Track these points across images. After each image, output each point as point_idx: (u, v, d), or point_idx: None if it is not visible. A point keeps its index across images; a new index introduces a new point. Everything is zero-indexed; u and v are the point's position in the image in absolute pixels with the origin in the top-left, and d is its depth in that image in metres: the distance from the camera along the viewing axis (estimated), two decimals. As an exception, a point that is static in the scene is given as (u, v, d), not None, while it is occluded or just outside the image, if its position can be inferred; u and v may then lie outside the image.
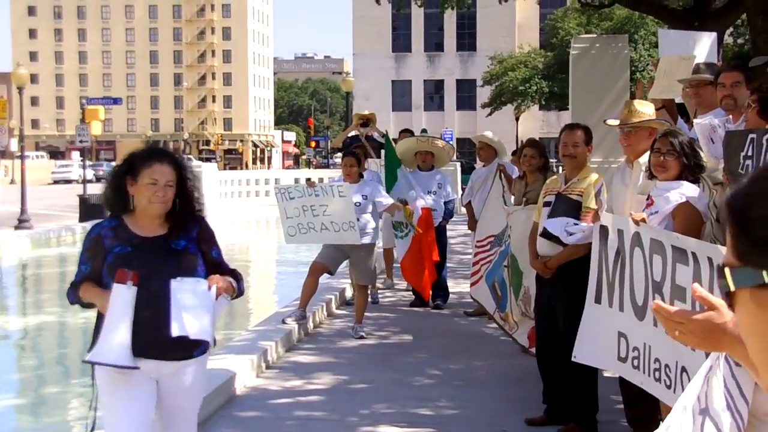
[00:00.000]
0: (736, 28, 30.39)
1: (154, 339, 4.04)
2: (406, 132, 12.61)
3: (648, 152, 5.58)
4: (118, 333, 3.95)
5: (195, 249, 4.22)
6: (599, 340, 5.36)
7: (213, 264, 4.29)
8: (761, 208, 1.08)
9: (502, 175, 9.36)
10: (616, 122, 6.01)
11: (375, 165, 11.45)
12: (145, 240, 4.15)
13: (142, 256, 4.09)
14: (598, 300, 5.43)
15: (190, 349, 4.15)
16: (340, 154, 11.47)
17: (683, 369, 4.33)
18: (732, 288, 1.11)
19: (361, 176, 9.71)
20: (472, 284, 9.29)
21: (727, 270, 1.12)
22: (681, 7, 17.45)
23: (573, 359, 5.63)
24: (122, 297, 3.93)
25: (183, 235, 4.21)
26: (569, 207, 6.15)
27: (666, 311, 1.56)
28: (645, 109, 5.85)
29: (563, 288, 6.12)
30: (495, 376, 7.84)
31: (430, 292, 11.06)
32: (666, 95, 7.31)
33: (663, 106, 7.28)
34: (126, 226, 4.18)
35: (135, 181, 4.13)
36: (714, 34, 8.76)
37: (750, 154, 4.50)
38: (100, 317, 4.09)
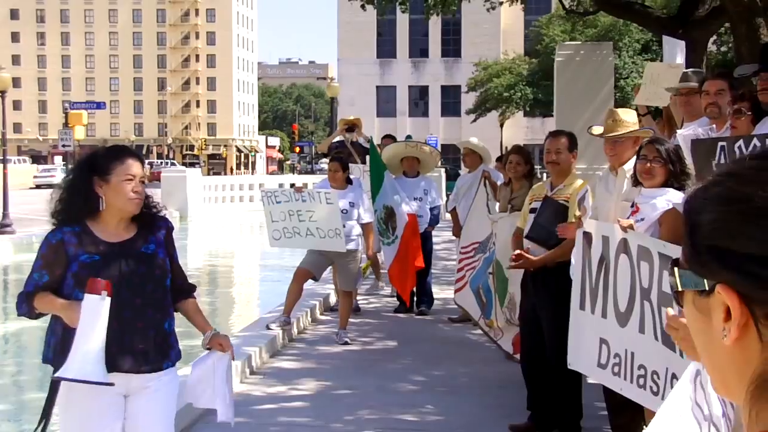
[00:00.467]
0: (719, 36, 30.56)
1: (124, 351, 3.89)
2: (389, 138, 12.58)
3: (632, 160, 5.60)
4: (92, 347, 3.69)
5: (164, 253, 4.06)
6: (584, 347, 5.37)
7: (175, 271, 4.16)
8: (708, 214, 1.07)
9: (487, 182, 9.36)
10: (600, 130, 6.00)
11: (358, 170, 11.41)
12: (113, 246, 3.93)
13: (111, 264, 3.88)
14: (582, 306, 5.44)
15: (159, 361, 4.02)
16: (326, 160, 11.42)
17: (674, 375, 4.33)
18: (679, 288, 1.12)
19: (350, 182, 9.69)
20: (456, 290, 9.28)
21: (676, 269, 1.12)
22: (665, 15, 17.52)
23: (569, 366, 5.64)
24: (95, 308, 3.66)
25: (152, 238, 4.04)
26: (556, 211, 6.16)
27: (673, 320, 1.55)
28: (629, 118, 5.85)
29: (548, 295, 6.13)
30: (479, 382, 7.83)
31: (414, 299, 11.06)
32: (652, 102, 7.33)
33: (647, 113, 7.31)
34: (90, 231, 3.93)
35: (106, 181, 3.90)
36: (682, 43, 8.76)
37: (723, 161, 4.53)
38: (65, 331, 3.84)
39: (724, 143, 4.63)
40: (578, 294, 5.47)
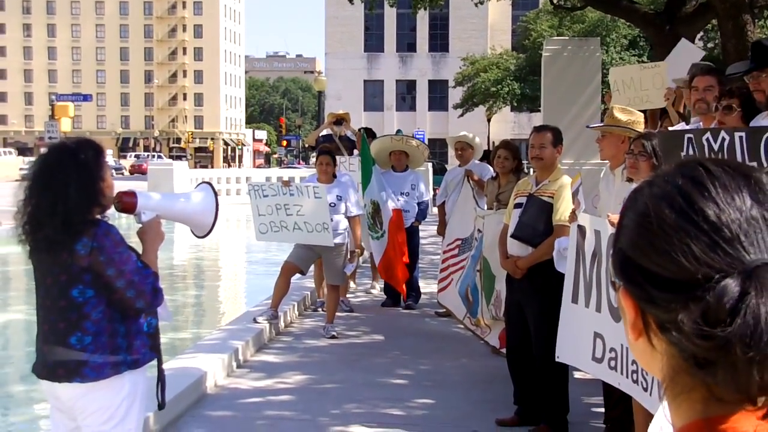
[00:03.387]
0: (706, 32, 30.66)
1: None
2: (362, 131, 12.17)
3: None
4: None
5: None
6: (576, 340, 5.37)
7: None
8: (626, 217, 1.08)
9: (470, 180, 9.39)
10: (595, 125, 6.08)
11: (344, 166, 11.32)
12: None
13: None
14: (574, 300, 5.44)
15: None
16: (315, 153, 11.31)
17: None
18: (612, 278, 1.14)
19: (334, 176, 9.67)
20: (439, 291, 9.27)
21: (610, 259, 1.16)
22: (652, 11, 17.57)
23: (557, 359, 5.66)
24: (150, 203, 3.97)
25: None
26: (541, 209, 6.17)
27: None
28: (622, 116, 5.86)
29: (533, 291, 6.14)
30: (466, 376, 7.85)
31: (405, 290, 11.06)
32: (637, 107, 7.30)
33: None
34: None
35: (102, 178, 3.73)
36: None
37: (691, 153, 4.45)
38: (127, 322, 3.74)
39: (691, 135, 4.54)
40: (571, 287, 5.48)
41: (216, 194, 4.14)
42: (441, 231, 10.38)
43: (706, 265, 0.99)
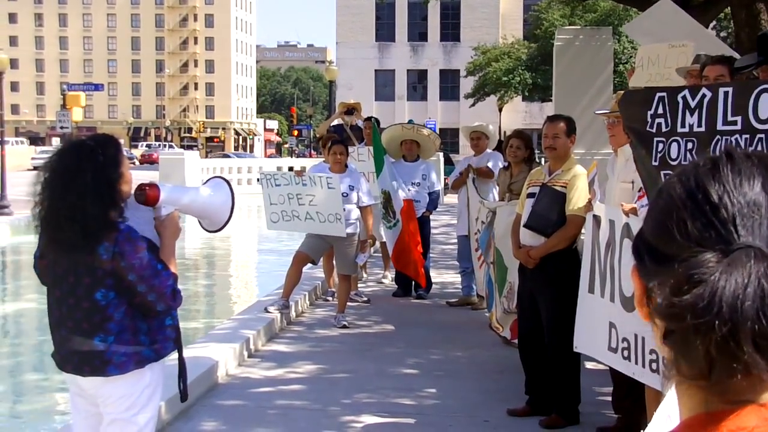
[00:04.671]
0: (719, 21, 30.48)
1: None
2: (369, 120, 12.14)
3: None
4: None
5: None
6: (593, 330, 5.35)
7: None
8: (654, 198, 1.10)
9: (472, 172, 9.42)
10: (603, 112, 6.03)
11: (353, 157, 11.26)
12: None
13: None
14: (591, 289, 5.43)
15: None
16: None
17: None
18: None
19: (346, 166, 9.67)
20: None
21: None
22: (665, 0, 17.46)
23: (575, 349, 5.64)
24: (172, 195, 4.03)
25: None
26: (554, 198, 6.15)
27: None
28: None
29: (546, 280, 6.13)
30: (477, 366, 7.85)
31: (413, 283, 11.05)
32: (656, 84, 7.24)
33: None
34: None
35: (121, 175, 3.72)
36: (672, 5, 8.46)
37: (661, 112, 4.32)
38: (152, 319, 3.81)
39: (663, 94, 4.41)
40: (587, 277, 5.46)
41: (233, 193, 4.20)
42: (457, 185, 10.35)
43: (695, 241, 1.01)
